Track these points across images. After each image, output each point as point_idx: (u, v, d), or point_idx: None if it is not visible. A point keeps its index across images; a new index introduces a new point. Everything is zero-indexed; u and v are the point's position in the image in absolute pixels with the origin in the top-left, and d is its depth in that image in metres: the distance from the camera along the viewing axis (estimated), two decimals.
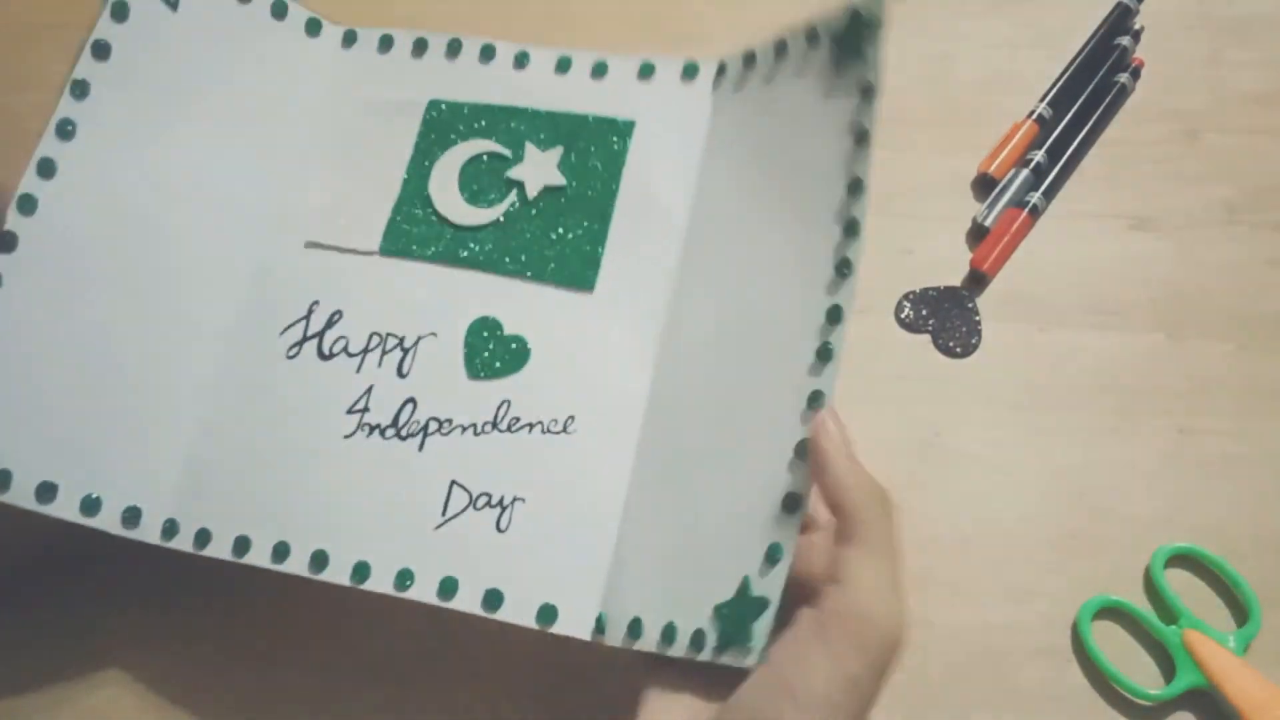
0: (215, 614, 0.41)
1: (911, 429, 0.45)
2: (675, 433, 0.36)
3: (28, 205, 0.36)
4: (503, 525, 0.36)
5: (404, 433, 0.37)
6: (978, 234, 0.49)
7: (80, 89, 0.38)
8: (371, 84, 0.43)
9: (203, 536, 0.37)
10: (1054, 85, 0.51)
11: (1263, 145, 0.50)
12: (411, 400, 0.38)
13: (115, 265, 0.38)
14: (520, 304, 0.39)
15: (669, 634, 0.32)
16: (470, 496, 0.36)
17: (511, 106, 0.42)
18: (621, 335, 0.38)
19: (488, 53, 0.43)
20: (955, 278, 0.48)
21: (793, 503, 0.31)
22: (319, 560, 0.36)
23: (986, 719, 0.40)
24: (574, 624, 0.34)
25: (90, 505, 0.36)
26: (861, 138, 0.33)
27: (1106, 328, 0.46)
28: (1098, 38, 0.52)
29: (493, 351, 0.38)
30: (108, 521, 0.36)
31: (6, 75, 0.52)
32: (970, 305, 0.47)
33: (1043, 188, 0.49)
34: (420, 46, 0.44)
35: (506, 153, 0.41)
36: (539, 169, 0.41)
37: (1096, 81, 0.51)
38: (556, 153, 0.41)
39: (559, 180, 0.41)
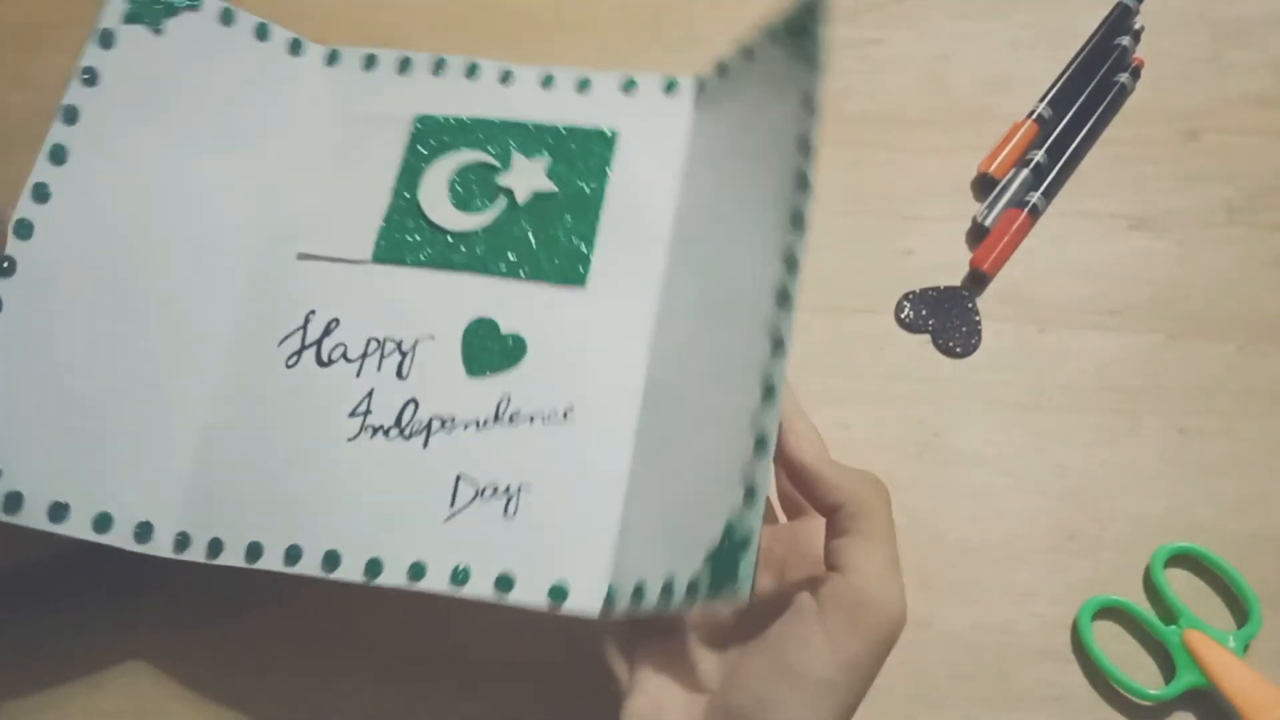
0: (225, 613, 0.41)
1: (911, 429, 0.45)
2: (667, 411, 0.37)
3: (24, 230, 0.37)
4: (510, 513, 0.36)
5: (407, 432, 0.38)
6: (978, 234, 0.49)
7: (71, 114, 0.39)
8: (357, 100, 0.44)
9: (215, 546, 0.37)
10: (1054, 85, 0.51)
11: (1263, 145, 0.50)
12: (413, 401, 0.38)
13: (112, 286, 0.39)
14: (514, 303, 0.40)
15: (668, 590, 0.32)
16: (477, 488, 0.37)
17: (498, 120, 0.43)
18: (614, 327, 0.39)
19: (473, 70, 0.44)
20: (955, 278, 0.48)
21: (762, 444, 0.31)
22: (331, 560, 0.36)
23: (986, 719, 0.40)
24: (584, 601, 0.35)
25: (102, 523, 0.36)
26: (811, 106, 0.34)
27: (1106, 328, 0.47)
28: (1098, 38, 0.52)
29: (490, 349, 0.39)
30: (120, 538, 0.37)
31: (6, 75, 0.52)
32: (970, 305, 0.47)
33: (1043, 188, 0.49)
34: (405, 64, 0.45)
35: (495, 163, 0.42)
36: (528, 176, 0.42)
37: (1096, 81, 0.51)
38: (544, 161, 0.42)
39: (548, 187, 0.42)
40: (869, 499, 0.32)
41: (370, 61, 0.45)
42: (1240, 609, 0.41)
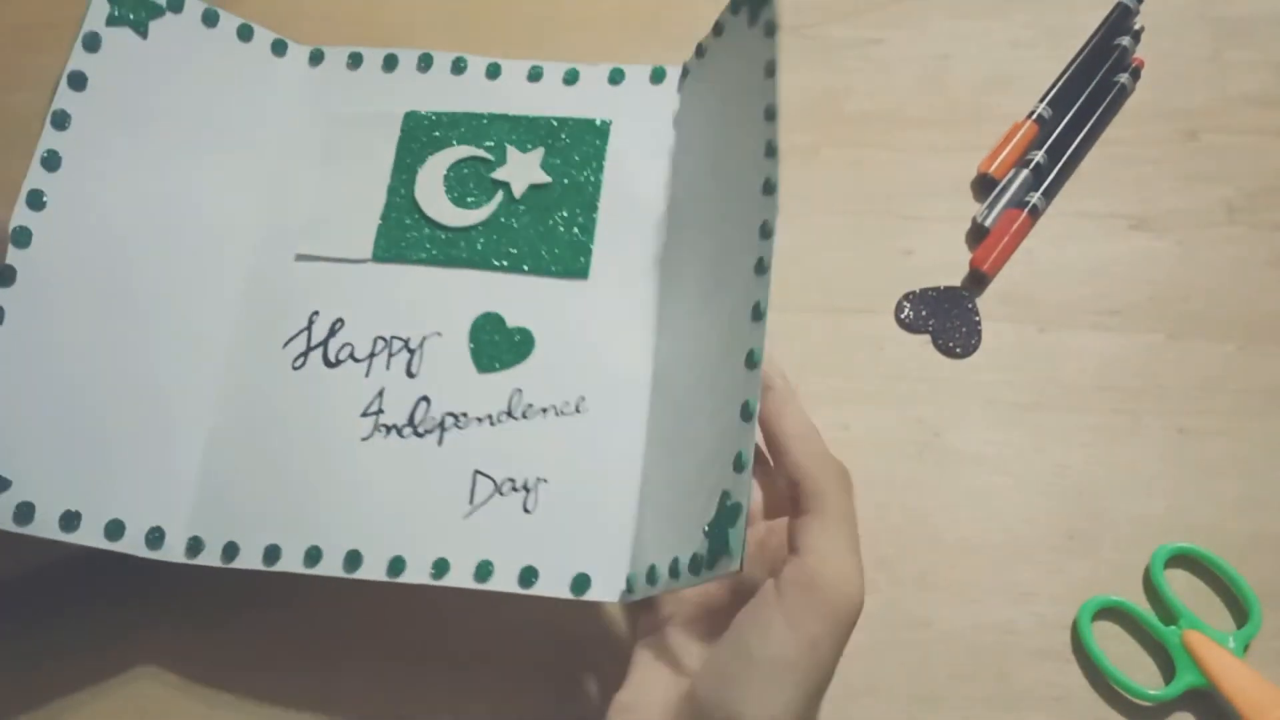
0: (244, 613, 0.41)
1: (911, 429, 0.45)
2: (673, 397, 0.38)
3: (22, 238, 0.37)
4: (529, 506, 0.37)
5: (421, 430, 0.38)
6: (978, 234, 0.49)
7: (61, 120, 0.39)
8: (345, 99, 0.44)
9: (230, 550, 0.37)
10: (1054, 85, 0.51)
11: (1263, 145, 0.50)
12: (425, 399, 0.39)
13: (111, 291, 0.39)
14: (519, 297, 0.40)
15: (675, 568, 0.33)
16: (495, 483, 0.37)
17: (489, 114, 0.43)
18: (620, 318, 0.40)
19: (459, 65, 0.44)
20: (955, 278, 0.48)
21: (746, 410, 0.32)
22: (353, 560, 0.36)
23: (986, 719, 0.40)
24: (605, 589, 0.35)
25: (114, 530, 0.36)
26: (770, 70, 0.35)
27: (1106, 328, 0.46)
28: (1098, 38, 0.52)
29: (498, 344, 0.39)
30: (132, 544, 0.37)
31: (7, 75, 0.52)
32: (970, 305, 0.47)
33: (1043, 188, 0.49)
34: (391, 62, 0.45)
35: (489, 156, 0.42)
36: (523, 169, 0.42)
37: (1096, 81, 0.51)
38: (538, 154, 0.42)
39: (544, 178, 0.42)
40: (825, 480, 0.32)
41: (355, 60, 0.45)
42: (1240, 609, 0.41)
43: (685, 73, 0.43)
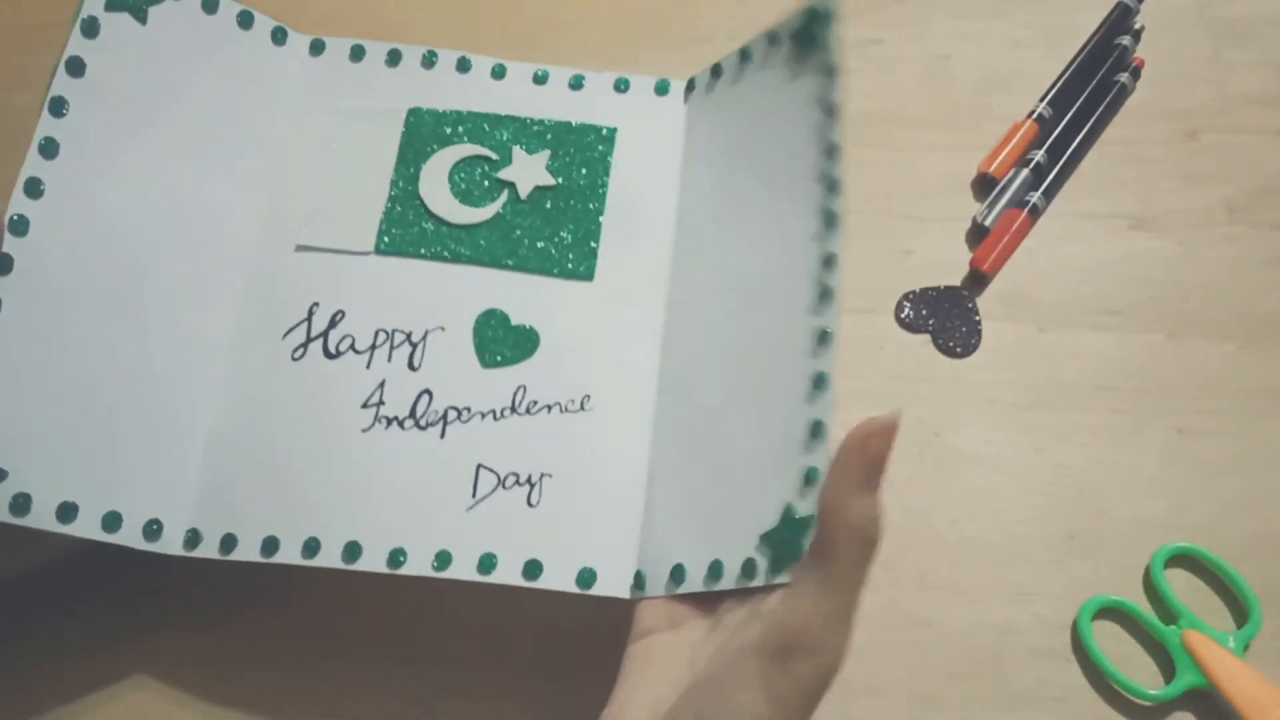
0: (244, 613, 0.41)
1: (911, 429, 0.45)
2: (691, 398, 0.38)
3: (20, 226, 0.36)
4: (534, 501, 0.37)
5: (423, 422, 0.38)
6: (978, 234, 0.49)
7: (58, 106, 0.38)
8: (347, 92, 0.44)
9: (228, 542, 0.37)
10: (1054, 85, 0.51)
11: (1263, 145, 0.50)
12: (427, 392, 0.39)
13: (110, 281, 0.38)
14: (524, 296, 0.40)
15: (715, 570, 0.33)
16: (498, 477, 0.37)
17: (494, 114, 0.43)
18: (625, 320, 0.40)
19: (464, 64, 0.44)
20: (955, 278, 0.48)
21: (818, 429, 0.32)
22: (352, 551, 0.36)
23: (986, 718, 0.40)
24: (613, 584, 0.35)
25: (111, 522, 0.36)
26: (830, 110, 0.35)
27: (1106, 328, 0.46)
28: (1098, 38, 0.52)
29: (503, 340, 0.39)
30: (129, 537, 0.36)
31: (7, 75, 0.52)
32: (970, 305, 0.47)
33: (1043, 188, 0.49)
34: (395, 57, 0.44)
35: (494, 156, 0.42)
36: (529, 170, 0.42)
37: (1096, 81, 0.51)
38: (544, 156, 0.42)
39: (549, 180, 0.42)
40: (842, 534, 0.29)
41: (358, 53, 0.44)
42: (1240, 609, 0.41)
43: (691, 86, 0.43)
